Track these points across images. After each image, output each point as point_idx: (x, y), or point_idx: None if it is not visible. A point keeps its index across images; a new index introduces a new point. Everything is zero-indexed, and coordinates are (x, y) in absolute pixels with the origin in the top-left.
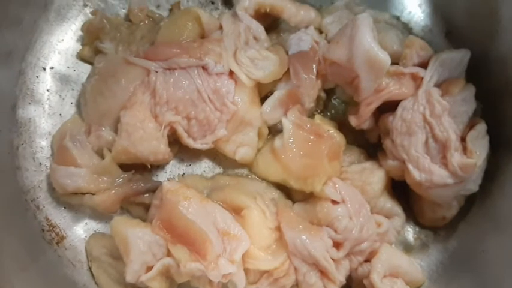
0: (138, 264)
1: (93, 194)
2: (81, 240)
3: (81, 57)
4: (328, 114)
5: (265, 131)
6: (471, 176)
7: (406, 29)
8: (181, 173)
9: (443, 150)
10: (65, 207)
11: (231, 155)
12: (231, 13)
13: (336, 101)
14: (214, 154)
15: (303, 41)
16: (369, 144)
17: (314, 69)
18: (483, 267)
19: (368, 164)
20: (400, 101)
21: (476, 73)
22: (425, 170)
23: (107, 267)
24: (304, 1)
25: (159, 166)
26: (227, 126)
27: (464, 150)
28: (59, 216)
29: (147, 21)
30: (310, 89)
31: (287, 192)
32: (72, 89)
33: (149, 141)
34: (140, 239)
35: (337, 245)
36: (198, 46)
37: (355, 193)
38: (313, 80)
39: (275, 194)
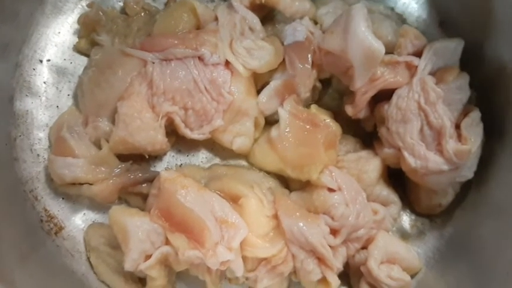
0: (136, 252)
1: (91, 184)
2: (80, 230)
3: (77, 49)
4: (324, 104)
5: (262, 121)
6: (466, 163)
7: (400, 19)
8: (179, 163)
9: (438, 137)
10: (63, 198)
11: (228, 145)
12: (227, 4)
13: (331, 90)
14: (212, 144)
15: (298, 31)
16: (365, 133)
17: (309, 59)
18: (479, 252)
19: (364, 153)
20: (395, 89)
21: (470, 62)
22: (421, 157)
23: (106, 256)
24: None
25: (156, 157)
26: (224, 117)
27: (459, 137)
28: (57, 207)
29: (143, 14)
30: (306, 78)
31: (284, 181)
32: (69, 81)
33: (146, 131)
34: (138, 228)
35: (334, 232)
36: (194, 37)
37: (351, 181)
38: (309, 70)
39: (272, 183)
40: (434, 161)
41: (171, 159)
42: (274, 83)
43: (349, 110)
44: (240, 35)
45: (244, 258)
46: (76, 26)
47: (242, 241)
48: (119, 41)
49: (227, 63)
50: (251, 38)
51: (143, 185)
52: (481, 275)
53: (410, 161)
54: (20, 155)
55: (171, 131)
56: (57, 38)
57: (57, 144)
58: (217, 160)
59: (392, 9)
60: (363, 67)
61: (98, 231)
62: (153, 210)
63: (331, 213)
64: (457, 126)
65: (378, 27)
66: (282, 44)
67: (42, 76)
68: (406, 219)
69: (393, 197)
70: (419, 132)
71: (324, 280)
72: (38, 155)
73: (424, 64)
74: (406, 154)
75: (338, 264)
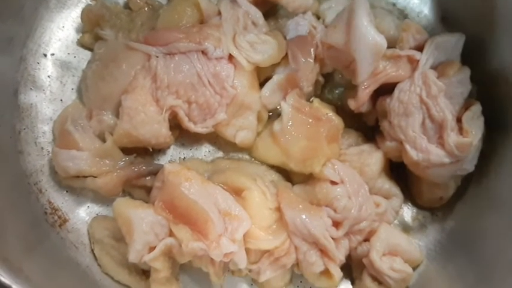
0: (140, 244)
1: (95, 177)
2: (84, 223)
3: (81, 43)
4: (326, 98)
5: (265, 114)
6: (467, 156)
7: (402, 14)
8: (182, 157)
9: (439, 130)
10: (67, 191)
11: (231, 138)
12: None
13: (333, 85)
14: (215, 138)
15: (300, 25)
16: (366, 127)
17: (312, 53)
18: (480, 245)
19: (366, 146)
20: (397, 83)
21: (471, 56)
22: (423, 150)
23: (110, 249)
24: None
25: (160, 150)
26: (227, 110)
27: (460, 130)
28: (61, 200)
29: (146, 9)
30: (309, 72)
31: (286, 175)
32: (73, 75)
33: (151, 125)
34: (143, 220)
35: (336, 224)
36: (197, 31)
37: (353, 174)
38: (311, 64)
39: (275, 176)
40: (436, 153)
41: (175, 152)
42: (277, 77)
43: (351, 104)
44: (243, 30)
45: (247, 251)
46: (80, 20)
47: (245, 233)
48: (123, 36)
49: (230, 57)
50: (254, 32)
51: (147, 178)
52: (482, 268)
53: (412, 154)
54: (25, 148)
55: (175, 124)
56: (61, 33)
57: (62, 137)
58: (220, 154)
59: (393, 4)
60: (365, 61)
61: (101, 223)
62: (157, 203)
63: (334, 206)
64: (458, 120)
65: (379, 22)
66: (285, 38)
67: (46, 70)
68: (408, 212)
69: (395, 190)
70: (421, 125)
71: (326, 272)
72: (42, 148)
73: (425, 58)
74: (408, 147)
75: (341, 256)
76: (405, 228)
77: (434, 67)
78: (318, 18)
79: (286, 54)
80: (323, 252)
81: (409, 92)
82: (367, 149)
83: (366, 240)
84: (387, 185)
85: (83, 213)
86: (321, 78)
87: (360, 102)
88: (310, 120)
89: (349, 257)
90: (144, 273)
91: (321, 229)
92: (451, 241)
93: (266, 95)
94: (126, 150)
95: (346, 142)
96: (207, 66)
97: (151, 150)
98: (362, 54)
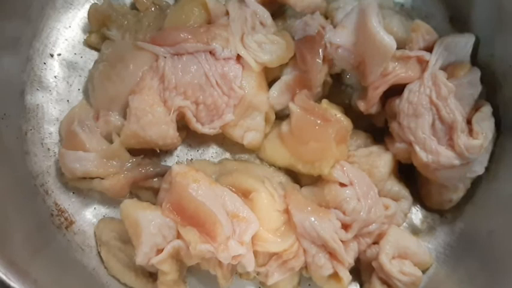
0: (148, 246)
1: (102, 179)
2: (90, 225)
3: (88, 44)
4: (335, 98)
5: (272, 115)
6: (477, 158)
7: (410, 15)
8: (189, 158)
9: (449, 132)
10: (73, 193)
11: (238, 139)
12: None
13: (341, 86)
14: (222, 139)
15: (309, 26)
16: (375, 128)
17: (320, 54)
18: (490, 247)
19: (375, 148)
20: (407, 84)
21: (480, 57)
22: (432, 152)
23: (116, 251)
24: None
25: (167, 151)
26: (235, 111)
27: (470, 132)
28: (67, 201)
29: (153, 9)
30: (317, 73)
31: (294, 177)
32: (80, 76)
33: (158, 126)
34: (150, 222)
35: (345, 226)
36: (205, 31)
37: (362, 176)
38: (320, 64)
39: (283, 178)
40: (446, 155)
41: (182, 153)
42: (285, 78)
43: (361, 105)
44: (251, 30)
45: (255, 253)
46: (86, 20)
47: (253, 236)
48: (130, 36)
49: (238, 58)
50: (262, 32)
51: (154, 180)
52: (493, 270)
53: (422, 155)
54: (31, 149)
55: (182, 125)
56: (67, 33)
57: (68, 138)
58: (227, 155)
59: (402, 5)
60: (374, 62)
61: (108, 225)
62: (165, 204)
63: (343, 208)
64: (468, 121)
65: (388, 23)
66: (293, 38)
67: (52, 70)
68: (417, 215)
69: (404, 192)
70: (430, 126)
71: (335, 275)
72: (49, 149)
73: (435, 59)
74: (417, 149)
75: (349, 259)
76: (414, 230)
77: (443, 68)
78: (327, 18)
79: (295, 54)
80: (332, 255)
81: (419, 93)
82: (376, 151)
83: (375, 243)
84: (396, 187)
85: (89, 215)
86: (329, 79)
87: (369, 103)
88: (319, 121)
89: (358, 260)
90: (151, 275)
91: (329, 231)
92: (461, 244)
93: (274, 96)
94: (133, 152)
95: (354, 143)
96: (215, 67)
97: (158, 151)
98: (371, 55)
